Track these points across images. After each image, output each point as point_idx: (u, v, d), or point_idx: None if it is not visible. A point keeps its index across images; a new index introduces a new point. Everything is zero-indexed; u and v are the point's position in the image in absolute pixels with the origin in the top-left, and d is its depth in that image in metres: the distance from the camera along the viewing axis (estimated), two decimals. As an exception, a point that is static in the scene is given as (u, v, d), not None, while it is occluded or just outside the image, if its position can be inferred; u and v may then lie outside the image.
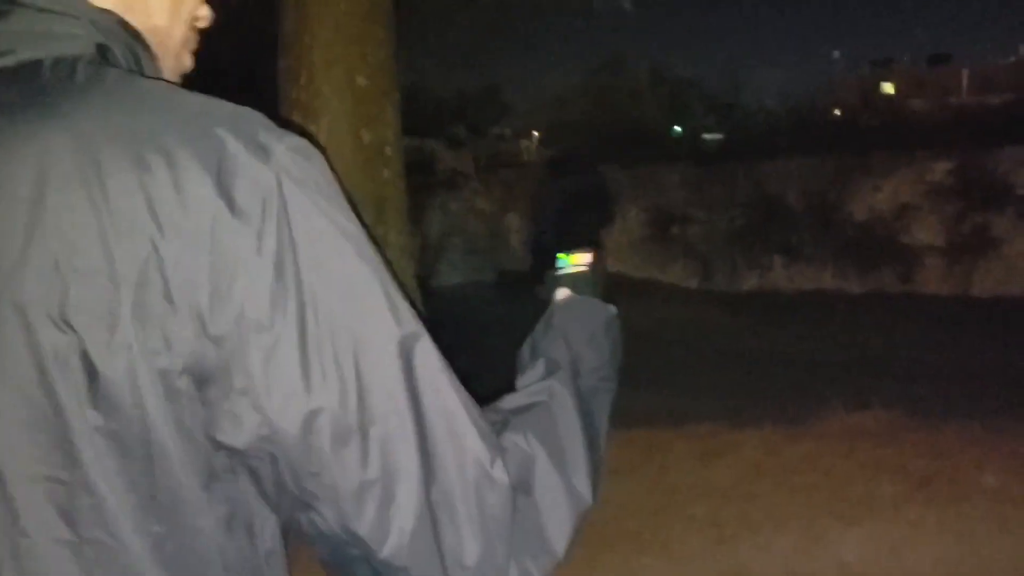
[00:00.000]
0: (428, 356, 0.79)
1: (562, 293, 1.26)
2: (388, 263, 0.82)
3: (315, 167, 0.77)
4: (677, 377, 7.77)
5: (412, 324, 0.79)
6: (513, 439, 0.87)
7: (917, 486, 3.90)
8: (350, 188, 2.77)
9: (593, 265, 1.31)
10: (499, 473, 0.80)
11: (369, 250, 0.79)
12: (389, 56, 4.23)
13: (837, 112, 18.08)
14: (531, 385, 1.00)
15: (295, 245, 0.73)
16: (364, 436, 0.74)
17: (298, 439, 0.73)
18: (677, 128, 19.57)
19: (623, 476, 4.08)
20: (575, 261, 1.31)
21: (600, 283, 1.30)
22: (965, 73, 38.13)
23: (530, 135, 26.22)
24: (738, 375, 7.88)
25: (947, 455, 4.26)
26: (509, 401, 0.97)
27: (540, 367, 1.03)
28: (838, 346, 9.45)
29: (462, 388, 0.82)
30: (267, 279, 0.72)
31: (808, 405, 5.77)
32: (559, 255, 1.34)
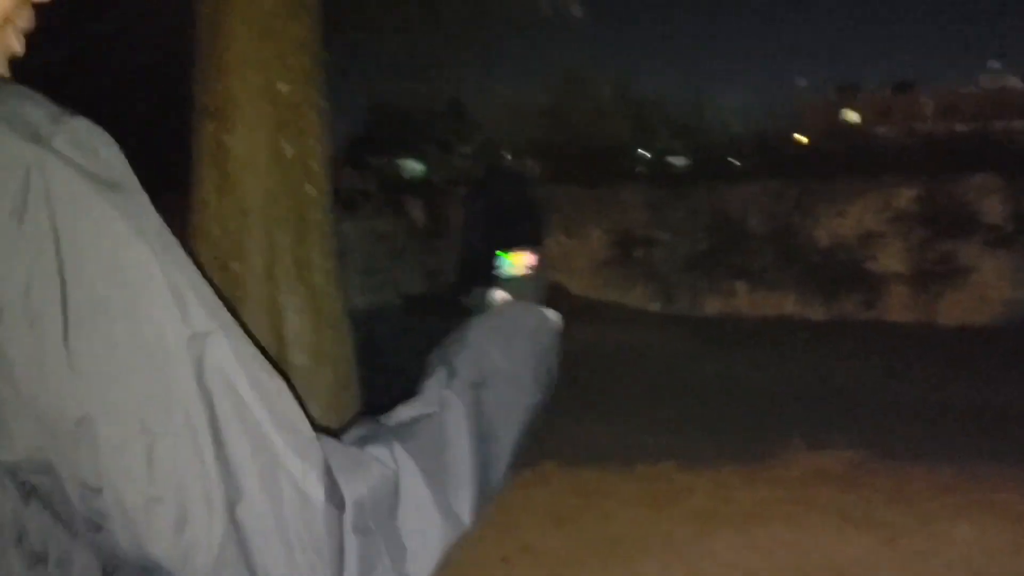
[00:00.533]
0: (224, 358, 0.70)
1: (500, 297, 1.20)
2: (191, 258, 0.73)
3: (94, 149, 0.71)
4: (632, 407, 7.44)
5: (205, 322, 0.71)
6: (375, 453, 0.80)
7: (886, 539, 3.56)
8: (268, 205, 2.34)
9: (536, 267, 1.24)
10: (314, 489, 0.71)
11: (156, 241, 0.71)
12: (314, 60, 3.85)
13: (802, 137, 18.00)
14: (425, 394, 0.91)
15: (59, 230, 0.67)
16: (147, 447, 0.67)
17: (73, 450, 0.66)
18: (646, 153, 19.42)
19: (565, 524, 3.72)
20: (517, 262, 1.25)
21: (543, 287, 1.23)
22: (929, 101, 38.53)
23: (496, 153, 26.02)
24: (696, 406, 7.54)
25: (916, 502, 3.94)
26: (397, 413, 0.88)
27: (441, 375, 0.94)
28: (800, 375, 9.17)
29: (278, 393, 0.73)
30: (25, 265, 0.66)
31: (767, 442, 5.45)
32: (499, 254, 1.28)
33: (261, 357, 0.75)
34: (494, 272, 1.25)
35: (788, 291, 13.44)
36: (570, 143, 16.96)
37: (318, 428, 0.84)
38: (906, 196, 12.69)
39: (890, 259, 12.82)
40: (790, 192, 13.29)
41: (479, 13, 12.23)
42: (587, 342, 10.94)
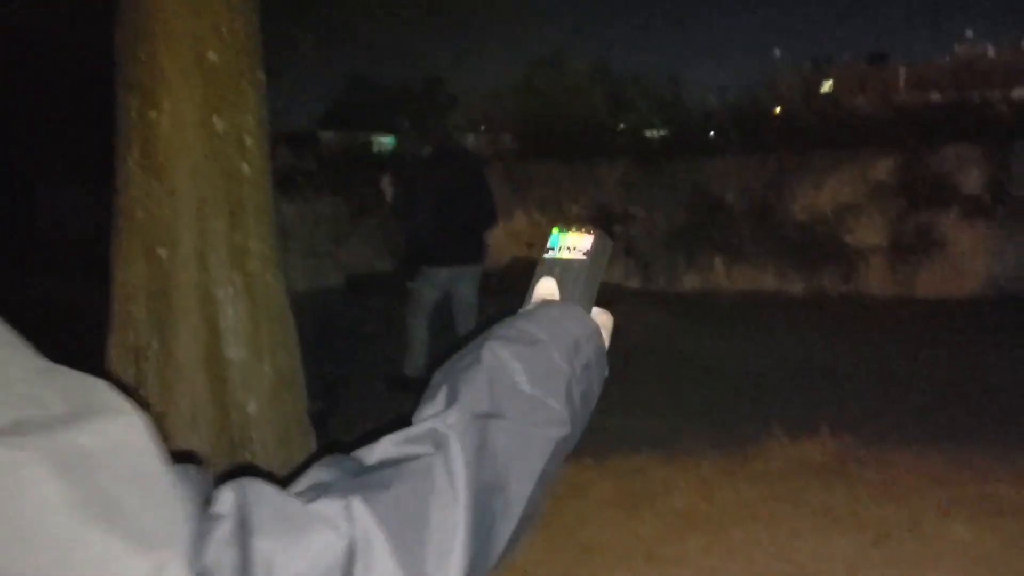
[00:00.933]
0: None
1: (544, 288, 0.96)
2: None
3: None
4: (610, 390, 7.15)
5: None
6: (327, 511, 0.59)
7: (874, 541, 3.30)
8: (198, 185, 2.00)
9: (593, 252, 0.98)
10: None
11: None
12: (250, 28, 3.50)
13: (778, 110, 17.79)
14: (417, 426, 0.70)
15: None
16: None
17: None
18: (622, 127, 19.14)
19: (535, 530, 3.43)
20: (571, 244, 0.98)
21: (596, 281, 0.98)
22: (902, 71, 38.39)
23: (476, 130, 25.79)
24: (676, 387, 7.29)
25: (906, 498, 3.68)
26: (376, 450, 0.68)
27: (440, 401, 0.75)
28: (781, 352, 8.92)
29: (104, 452, 0.50)
30: None
31: (750, 428, 5.20)
32: (554, 229, 1.02)
33: (85, 401, 0.52)
34: (546, 251, 1.00)
35: (766, 266, 13.28)
36: (546, 119, 16.61)
37: (250, 470, 0.66)
38: (883, 168, 12.51)
39: (867, 232, 12.65)
40: (767, 166, 13.12)
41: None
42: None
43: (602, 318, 0.96)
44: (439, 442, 0.69)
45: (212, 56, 3.36)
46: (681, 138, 15.67)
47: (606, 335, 0.97)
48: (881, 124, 14.19)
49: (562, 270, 0.96)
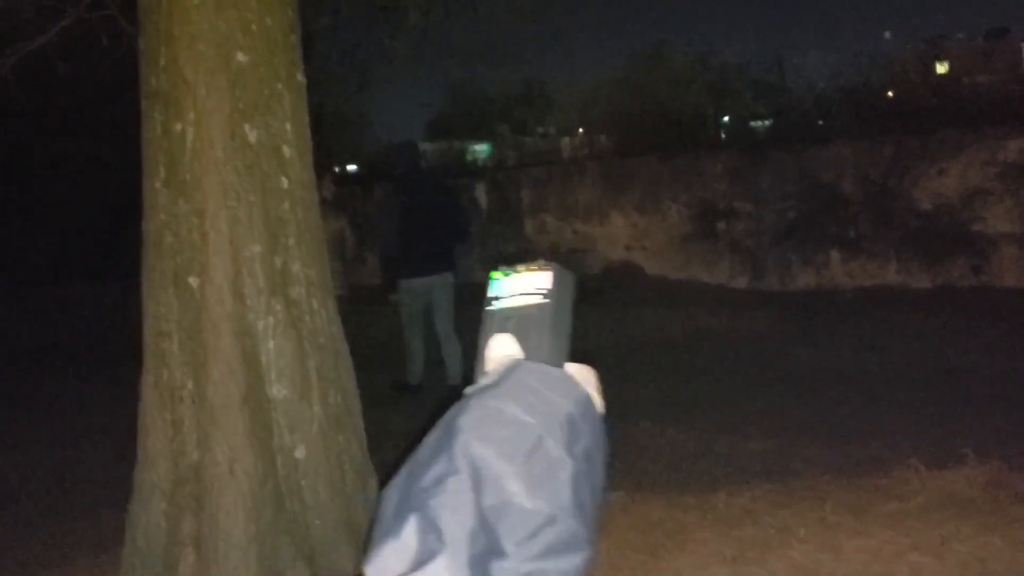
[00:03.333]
0: None
1: (501, 347, 0.73)
2: None
3: None
4: (716, 406, 6.58)
5: None
6: None
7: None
8: (230, 204, 1.55)
9: (556, 290, 0.75)
10: None
11: None
12: (284, 25, 3.10)
13: (891, 93, 16.78)
14: None
15: None
16: None
17: None
18: (727, 119, 18.39)
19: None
20: (523, 285, 0.76)
21: (566, 326, 0.75)
22: (1025, 45, 36.31)
23: (574, 131, 25.49)
24: (789, 400, 6.62)
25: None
26: None
27: (410, 538, 0.57)
28: (907, 356, 8.14)
29: None
30: None
31: (877, 452, 4.57)
32: (493, 274, 0.79)
33: None
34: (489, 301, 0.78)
35: (887, 259, 12.44)
36: (646, 114, 16.03)
37: None
38: (1014, 148, 11.54)
39: (999, 218, 11.70)
40: (884, 151, 12.27)
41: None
42: (663, 328, 10.11)
43: (584, 375, 0.73)
44: None
45: (241, 57, 2.97)
46: (789, 126, 14.93)
47: (596, 399, 0.72)
48: (1008, 101, 13.18)
49: (519, 321, 0.74)
